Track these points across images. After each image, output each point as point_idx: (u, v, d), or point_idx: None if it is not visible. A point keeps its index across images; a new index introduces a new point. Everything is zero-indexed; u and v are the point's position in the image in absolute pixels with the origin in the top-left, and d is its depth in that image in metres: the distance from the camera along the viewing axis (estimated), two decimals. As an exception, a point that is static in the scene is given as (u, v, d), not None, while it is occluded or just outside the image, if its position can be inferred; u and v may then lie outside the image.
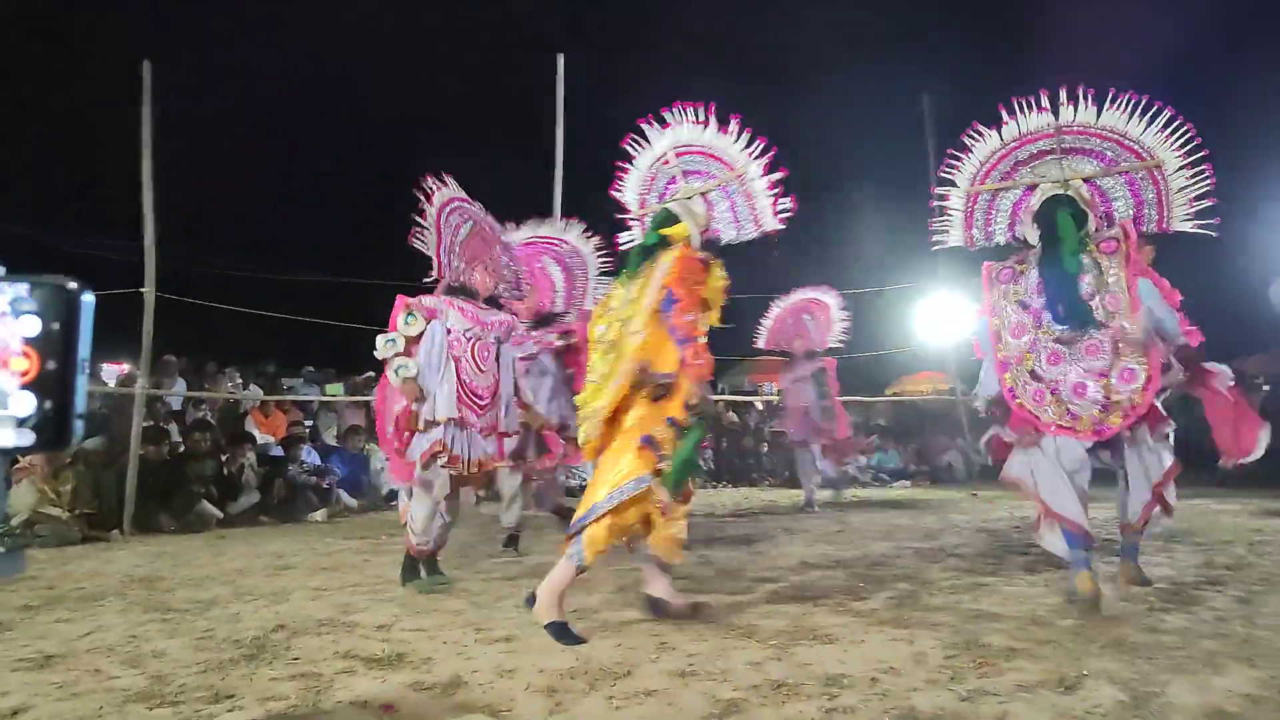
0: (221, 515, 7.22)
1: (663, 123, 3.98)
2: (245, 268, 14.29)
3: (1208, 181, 3.83)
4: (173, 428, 8.08)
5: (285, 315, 9.47)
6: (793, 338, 8.30)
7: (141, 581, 4.60)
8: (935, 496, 10.09)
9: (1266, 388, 15.87)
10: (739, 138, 3.82)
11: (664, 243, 3.59)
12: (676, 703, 2.49)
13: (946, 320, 11.96)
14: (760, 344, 8.49)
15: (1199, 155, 3.83)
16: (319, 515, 7.79)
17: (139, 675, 2.83)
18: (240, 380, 10.08)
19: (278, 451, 8.46)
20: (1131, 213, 3.97)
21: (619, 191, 4.24)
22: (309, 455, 8.50)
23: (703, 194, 3.87)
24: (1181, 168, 3.86)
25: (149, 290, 7.03)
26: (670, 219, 3.71)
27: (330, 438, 9.66)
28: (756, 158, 3.78)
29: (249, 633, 3.39)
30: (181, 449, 7.67)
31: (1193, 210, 3.87)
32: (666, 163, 4.01)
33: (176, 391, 8.92)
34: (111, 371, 10.68)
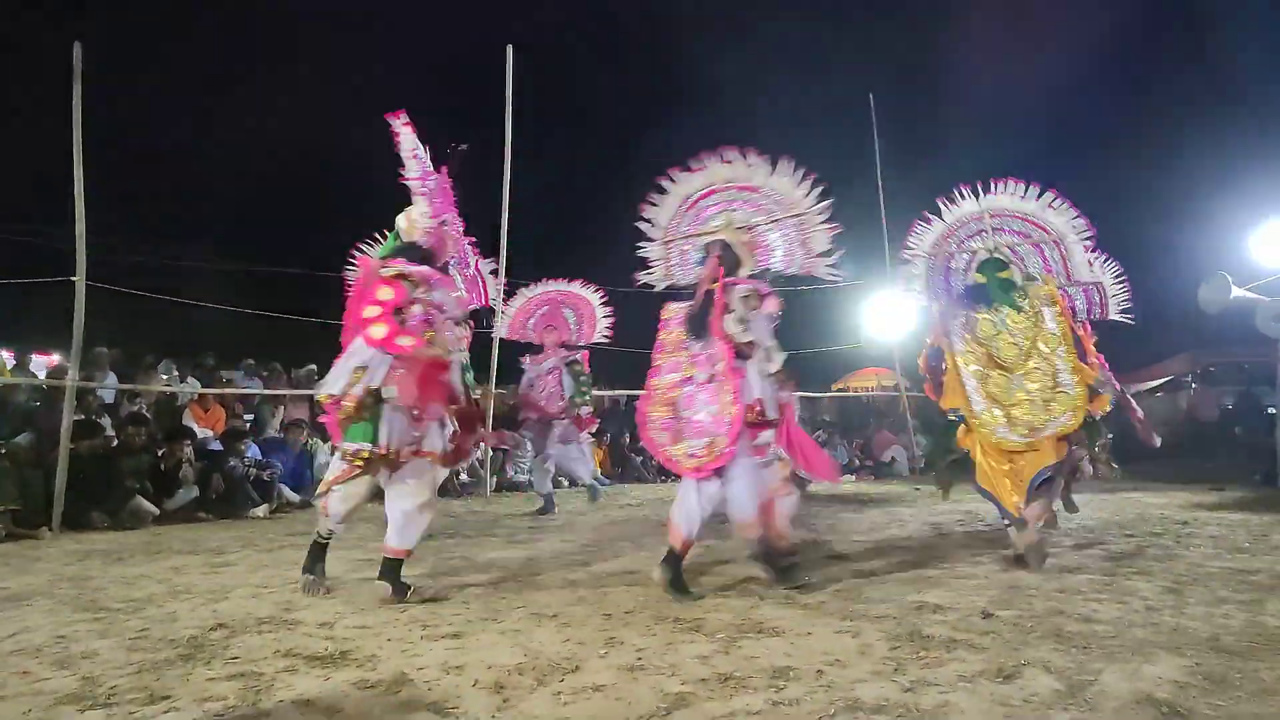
0: (158, 511, 7.00)
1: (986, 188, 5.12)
2: (182, 257, 13.89)
3: (1126, 288, 5.86)
4: (106, 422, 7.81)
5: (224, 306, 9.24)
6: (543, 329, 8.15)
7: (71, 580, 4.44)
8: (879, 491, 10.26)
9: (1195, 386, 16.51)
10: (1061, 207, 5.02)
11: (1010, 283, 4.86)
12: (625, 697, 2.49)
13: (892, 318, 12.18)
14: (503, 334, 8.35)
15: (1122, 278, 5.88)
16: (260, 511, 7.61)
17: (69, 676, 2.74)
18: (177, 373, 9.79)
19: (217, 446, 8.24)
20: (1086, 307, 5.87)
21: (918, 236, 5.32)
22: (250, 450, 8.30)
23: (1010, 247, 5.14)
24: (1113, 284, 5.84)
25: (80, 279, 6.79)
26: (1004, 265, 4.96)
27: (273, 432, 9.44)
28: (1078, 227, 5.01)
29: (186, 632, 3.29)
30: (115, 443, 7.42)
31: (1120, 306, 5.89)
32: (980, 218, 5.14)
33: (110, 384, 8.64)
34: (41, 363, 10.29)
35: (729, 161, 4.38)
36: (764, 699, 2.45)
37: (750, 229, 4.35)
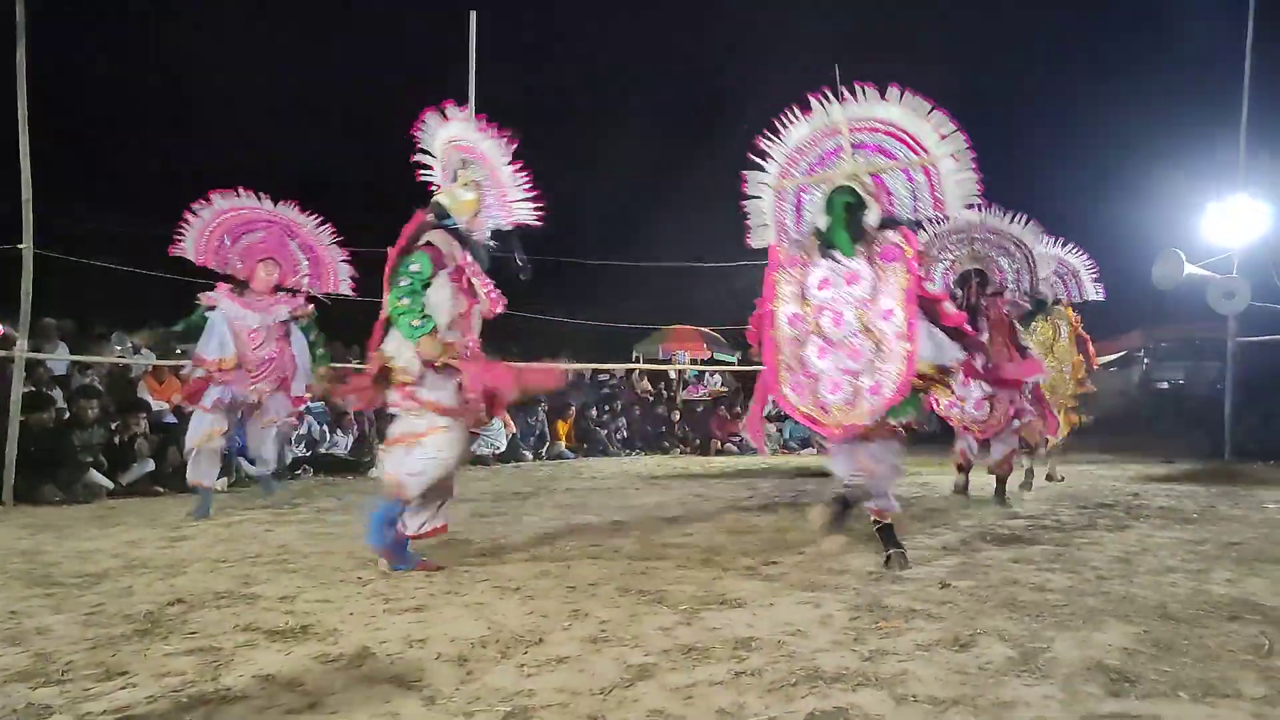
0: (112, 485, 6.87)
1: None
2: (133, 223, 13.50)
3: (1095, 271, 7.16)
4: (57, 394, 7.61)
5: (178, 276, 9.01)
6: (255, 261, 6.01)
7: (23, 555, 4.35)
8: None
9: (1147, 361, 16.91)
10: (1078, 253, 7.24)
11: (1046, 308, 6.71)
12: (588, 669, 2.50)
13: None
14: (189, 255, 5.97)
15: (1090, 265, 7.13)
16: (219, 485, 7.50)
17: (20, 653, 2.68)
18: (131, 344, 9.54)
19: (172, 419, 8.08)
20: (1065, 291, 7.12)
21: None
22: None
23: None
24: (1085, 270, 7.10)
25: (26, 246, 6.58)
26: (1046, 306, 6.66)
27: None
28: (1088, 265, 7.30)
29: (142, 607, 3.24)
30: (67, 416, 7.25)
31: (1092, 288, 7.14)
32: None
33: (61, 356, 8.40)
34: (-13, 333, 9.97)
35: (845, 100, 3.96)
36: (726, 669, 2.48)
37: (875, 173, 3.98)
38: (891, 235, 3.82)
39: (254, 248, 6.04)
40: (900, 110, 3.89)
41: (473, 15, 9.65)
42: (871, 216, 3.87)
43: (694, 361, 16.20)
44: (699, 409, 13.78)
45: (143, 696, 2.31)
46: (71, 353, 8.55)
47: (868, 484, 3.93)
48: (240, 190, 6.00)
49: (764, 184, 4.25)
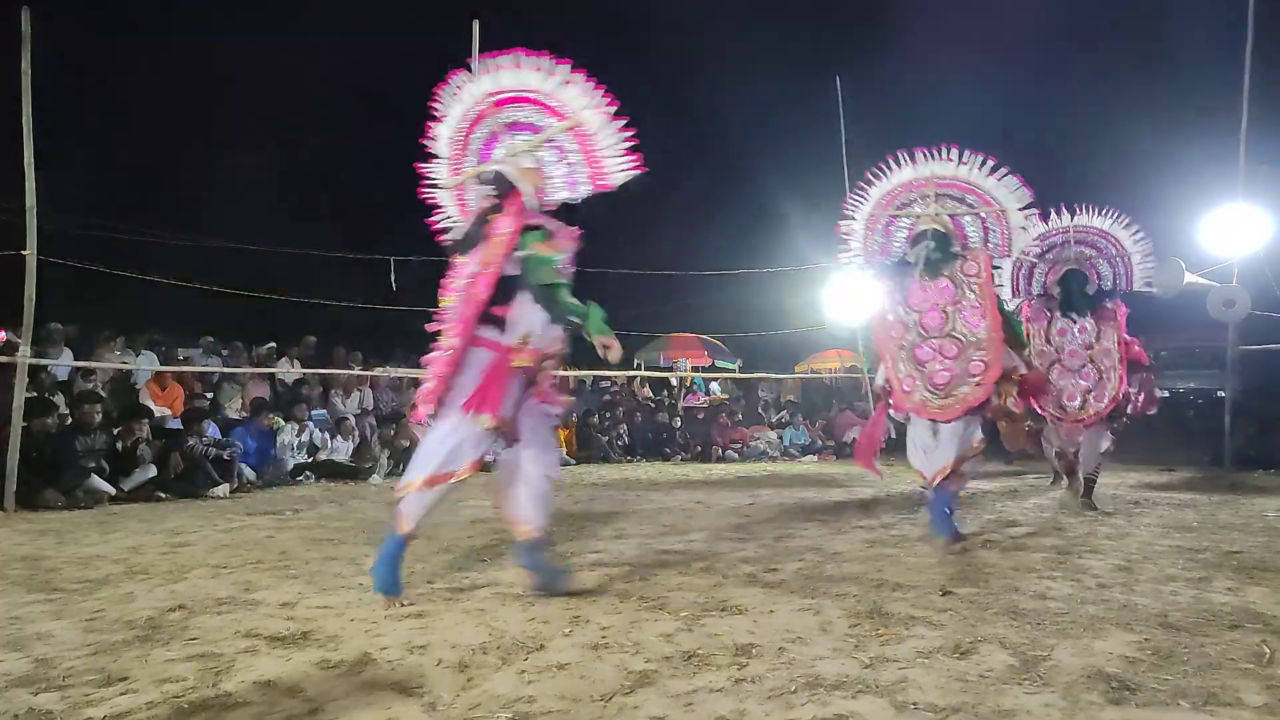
0: (114, 491, 6.88)
1: None
2: (136, 230, 13.55)
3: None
4: (59, 399, 7.63)
5: (181, 282, 9.05)
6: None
7: (24, 560, 4.35)
8: (841, 471, 10.39)
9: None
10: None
11: None
12: (589, 675, 2.50)
13: (855, 300, 12.28)
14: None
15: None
16: (221, 490, 7.51)
17: (21, 659, 2.68)
18: (131, 349, 9.56)
19: (176, 424, 8.09)
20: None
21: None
22: (210, 429, 8.16)
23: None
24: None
25: (30, 253, 6.60)
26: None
27: (233, 411, 9.28)
28: None
29: (143, 613, 3.24)
30: (69, 422, 7.26)
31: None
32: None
33: (64, 361, 8.42)
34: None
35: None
36: (726, 676, 2.48)
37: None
38: (1109, 303, 6.30)
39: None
40: None
41: (475, 24, 9.67)
42: (1090, 288, 6.33)
43: (695, 369, 16.23)
44: (700, 416, 13.77)
45: (143, 702, 2.31)
46: (76, 358, 8.57)
47: (1087, 455, 6.21)
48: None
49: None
